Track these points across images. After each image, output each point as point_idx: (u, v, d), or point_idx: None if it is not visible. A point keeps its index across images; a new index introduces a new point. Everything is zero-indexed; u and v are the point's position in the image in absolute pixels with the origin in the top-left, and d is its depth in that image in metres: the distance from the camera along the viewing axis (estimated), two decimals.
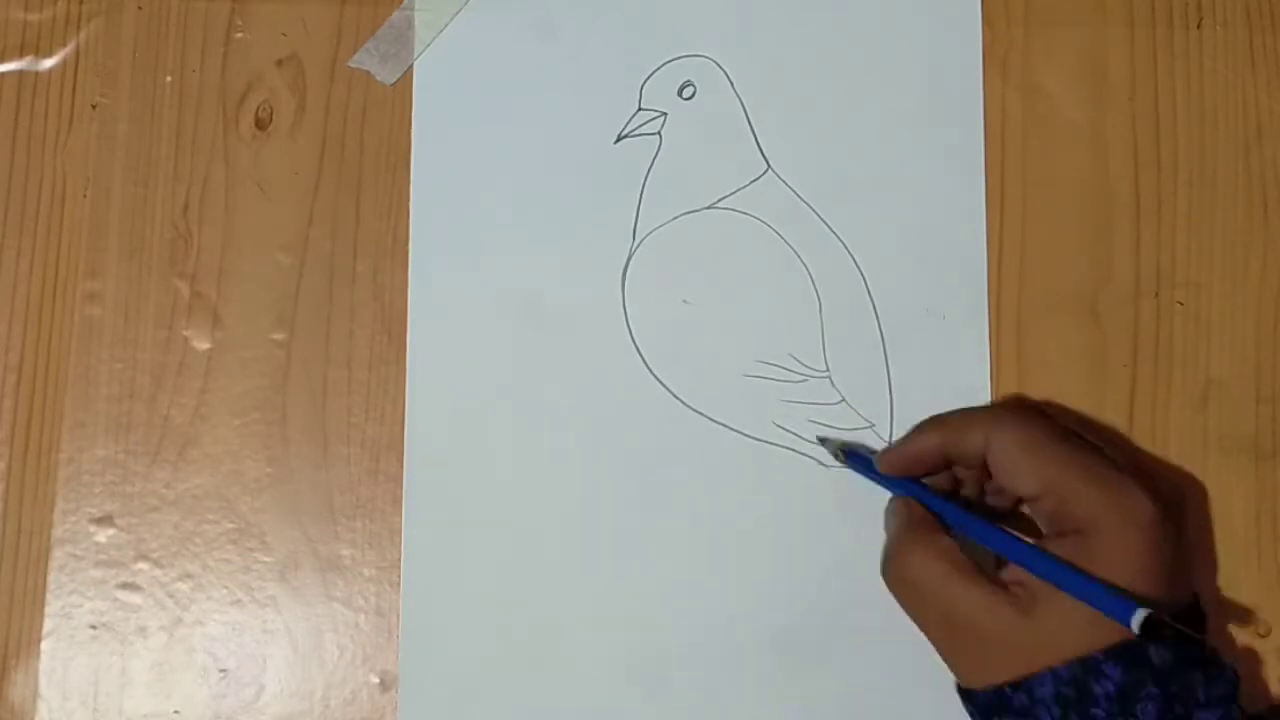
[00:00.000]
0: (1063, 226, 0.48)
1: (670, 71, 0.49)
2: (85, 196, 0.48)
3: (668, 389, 0.47)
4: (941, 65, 0.49)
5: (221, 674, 0.46)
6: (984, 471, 0.43)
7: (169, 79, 0.49)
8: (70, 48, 0.49)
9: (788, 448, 0.47)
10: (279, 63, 0.49)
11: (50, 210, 0.48)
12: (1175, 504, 0.42)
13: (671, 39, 0.49)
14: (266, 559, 0.46)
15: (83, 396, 0.47)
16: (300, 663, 0.46)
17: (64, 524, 0.47)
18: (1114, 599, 0.38)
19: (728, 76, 0.49)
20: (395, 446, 0.47)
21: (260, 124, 0.49)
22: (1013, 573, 0.41)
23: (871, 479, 0.45)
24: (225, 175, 0.49)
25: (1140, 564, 0.39)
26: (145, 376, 0.47)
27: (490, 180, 0.49)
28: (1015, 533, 0.42)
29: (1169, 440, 0.47)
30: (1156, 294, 0.48)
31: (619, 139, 0.49)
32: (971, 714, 0.41)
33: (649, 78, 0.49)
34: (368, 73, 0.49)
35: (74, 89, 0.49)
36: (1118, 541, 0.39)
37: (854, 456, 0.46)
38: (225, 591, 0.46)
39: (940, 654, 0.42)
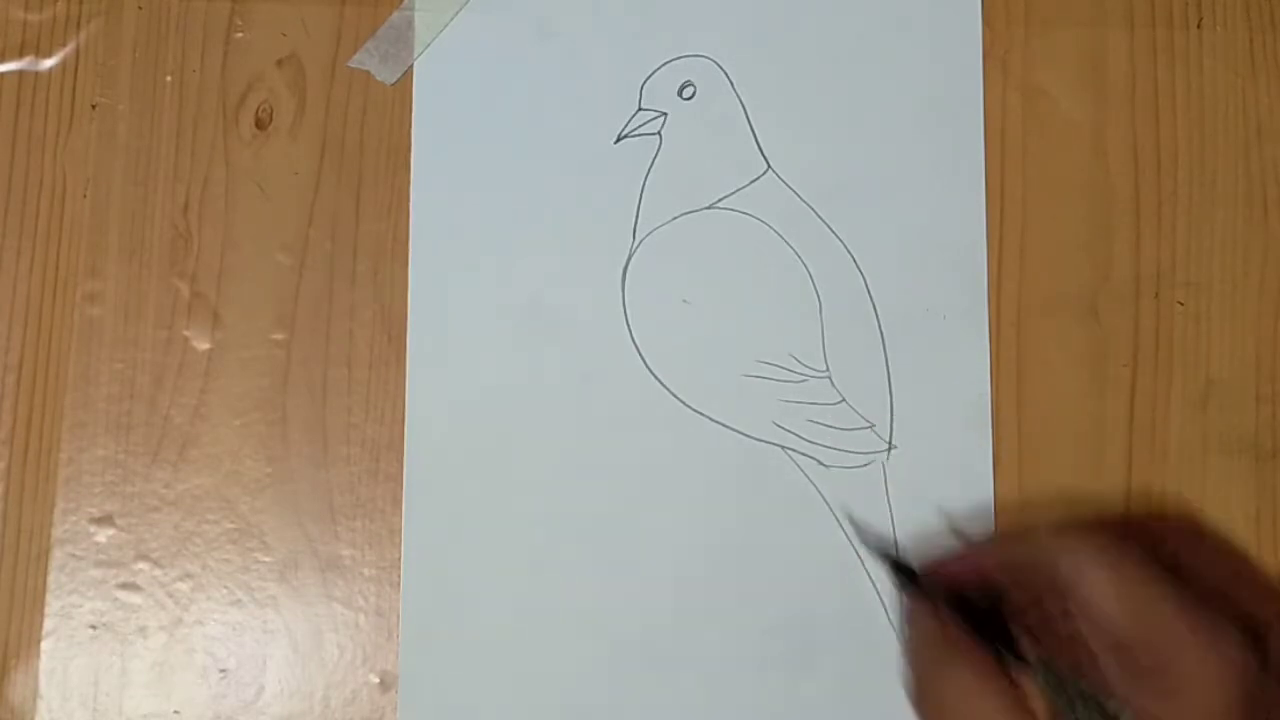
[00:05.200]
0: (1063, 226, 0.48)
1: (670, 71, 0.49)
2: (85, 196, 0.48)
3: (668, 389, 0.47)
4: (941, 65, 0.49)
5: (221, 674, 0.46)
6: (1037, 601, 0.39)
7: (169, 79, 0.49)
8: (70, 48, 0.49)
9: (788, 448, 0.47)
10: (279, 63, 0.49)
11: (50, 210, 0.48)
12: (1259, 640, 0.38)
13: (671, 39, 0.49)
14: (266, 559, 0.46)
15: (83, 396, 0.47)
16: (300, 663, 0.46)
17: (64, 524, 0.47)
18: None
19: (728, 76, 0.49)
20: (395, 446, 0.47)
21: (260, 124, 0.49)
22: None
23: (904, 588, 0.42)
24: (225, 175, 0.49)
25: (1229, 710, 0.36)
26: (145, 376, 0.47)
27: (490, 180, 0.48)
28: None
29: (1169, 440, 0.47)
30: (1156, 294, 0.48)
31: (619, 139, 0.49)
32: None
33: (649, 78, 0.49)
34: (368, 73, 0.49)
35: (74, 89, 0.49)
36: (1205, 685, 0.36)
37: (897, 564, 0.42)
38: (225, 591, 0.46)
39: None
